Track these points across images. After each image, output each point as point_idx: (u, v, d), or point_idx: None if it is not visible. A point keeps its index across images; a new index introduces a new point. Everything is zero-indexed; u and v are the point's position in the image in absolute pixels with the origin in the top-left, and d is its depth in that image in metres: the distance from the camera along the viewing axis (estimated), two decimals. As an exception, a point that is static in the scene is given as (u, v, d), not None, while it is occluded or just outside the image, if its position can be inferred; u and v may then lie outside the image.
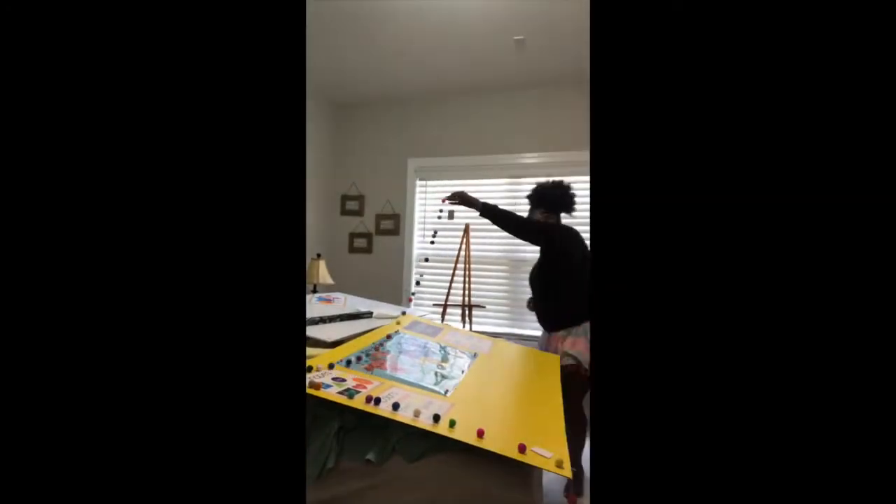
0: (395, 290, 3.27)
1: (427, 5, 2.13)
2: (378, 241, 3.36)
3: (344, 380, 1.09)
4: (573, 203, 1.88)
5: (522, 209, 3.02)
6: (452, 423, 0.96)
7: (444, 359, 1.51)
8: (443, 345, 1.67)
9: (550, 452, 0.92)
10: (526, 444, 0.92)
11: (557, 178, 1.93)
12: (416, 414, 0.97)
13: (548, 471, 0.88)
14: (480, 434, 0.92)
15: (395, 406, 0.98)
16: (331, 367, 1.18)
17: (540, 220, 1.87)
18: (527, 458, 0.88)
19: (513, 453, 0.89)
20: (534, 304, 1.99)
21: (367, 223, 3.41)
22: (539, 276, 1.89)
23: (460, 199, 1.80)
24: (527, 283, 3.00)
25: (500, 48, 2.51)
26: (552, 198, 1.87)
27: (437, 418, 0.97)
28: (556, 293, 1.82)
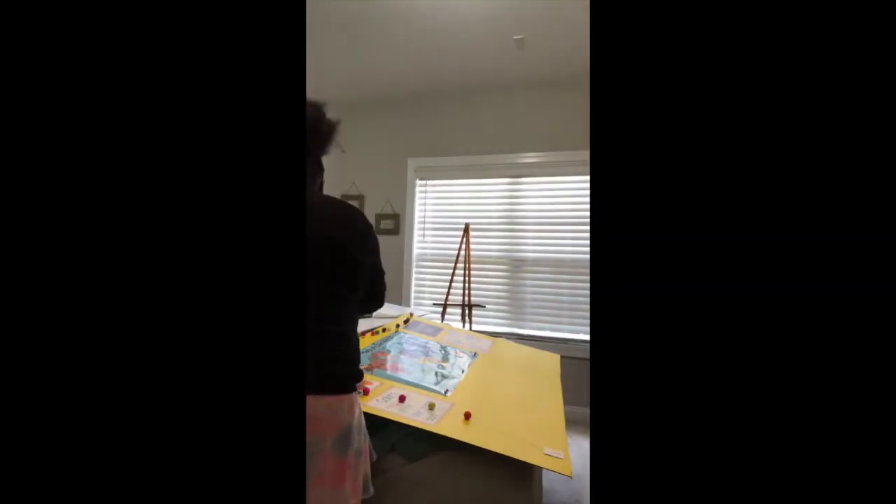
0: (395, 290, 3.26)
1: (427, 5, 2.13)
2: (378, 240, 3.36)
3: (344, 380, 1.09)
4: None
5: (523, 208, 3.04)
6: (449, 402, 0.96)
7: (445, 358, 1.51)
8: (443, 344, 1.67)
9: (560, 452, 0.92)
10: (533, 443, 0.92)
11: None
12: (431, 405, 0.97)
13: (549, 470, 0.88)
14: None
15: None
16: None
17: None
18: (536, 460, 0.88)
19: (513, 453, 0.89)
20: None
21: (367, 223, 3.41)
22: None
23: None
24: (527, 282, 3.03)
25: (500, 48, 2.51)
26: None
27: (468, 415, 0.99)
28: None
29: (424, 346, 1.60)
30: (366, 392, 1.05)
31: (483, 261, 3.09)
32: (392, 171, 3.36)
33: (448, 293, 2.89)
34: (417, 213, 3.32)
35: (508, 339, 2.61)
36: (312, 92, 3.14)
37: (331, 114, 1.10)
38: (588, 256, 2.81)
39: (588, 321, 2.81)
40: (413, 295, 3.27)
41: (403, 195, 3.32)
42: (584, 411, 2.73)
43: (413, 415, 0.98)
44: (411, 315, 1.93)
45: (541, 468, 0.91)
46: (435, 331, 1.86)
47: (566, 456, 0.92)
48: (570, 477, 0.88)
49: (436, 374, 1.33)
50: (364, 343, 1.45)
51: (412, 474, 0.94)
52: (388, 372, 1.26)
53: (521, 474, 0.93)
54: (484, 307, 3.04)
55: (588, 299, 2.85)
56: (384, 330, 1.64)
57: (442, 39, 2.44)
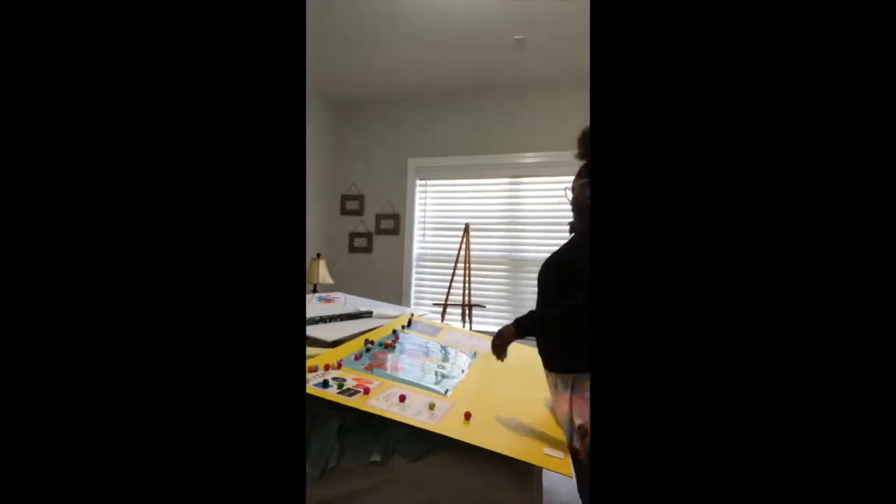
0: (395, 289, 3.26)
1: (427, 5, 2.13)
2: (378, 240, 3.36)
3: (344, 380, 1.09)
4: None
5: (523, 208, 3.04)
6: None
7: (445, 358, 1.51)
8: (443, 344, 1.67)
9: (560, 452, 0.92)
10: (533, 443, 0.93)
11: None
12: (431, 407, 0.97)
13: (549, 470, 0.88)
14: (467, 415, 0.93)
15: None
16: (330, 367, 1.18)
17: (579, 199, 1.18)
18: (536, 460, 0.88)
19: (513, 453, 0.89)
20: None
21: (367, 223, 3.40)
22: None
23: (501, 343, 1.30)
24: (527, 282, 3.02)
25: (500, 48, 2.50)
26: None
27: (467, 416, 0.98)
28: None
29: (425, 346, 1.60)
30: (366, 392, 1.05)
31: (483, 261, 3.09)
32: (392, 171, 3.36)
33: (448, 293, 2.89)
34: (417, 213, 3.32)
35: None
36: (313, 92, 3.12)
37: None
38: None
39: (588, 321, 2.80)
40: (413, 295, 3.27)
41: (403, 195, 3.32)
42: (584, 411, 2.72)
43: (413, 414, 0.98)
44: (412, 315, 1.93)
45: (541, 468, 0.91)
46: (435, 331, 1.86)
47: (566, 456, 0.92)
48: (571, 477, 0.88)
49: (436, 374, 1.33)
50: (363, 343, 1.45)
51: (412, 474, 0.94)
52: (389, 372, 1.26)
53: (521, 474, 0.93)
54: (484, 307, 3.04)
55: (588, 299, 2.84)
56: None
57: (442, 39, 2.44)
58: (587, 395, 0.95)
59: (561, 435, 1.03)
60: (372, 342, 1.47)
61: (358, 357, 1.31)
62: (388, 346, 1.50)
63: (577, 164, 1.15)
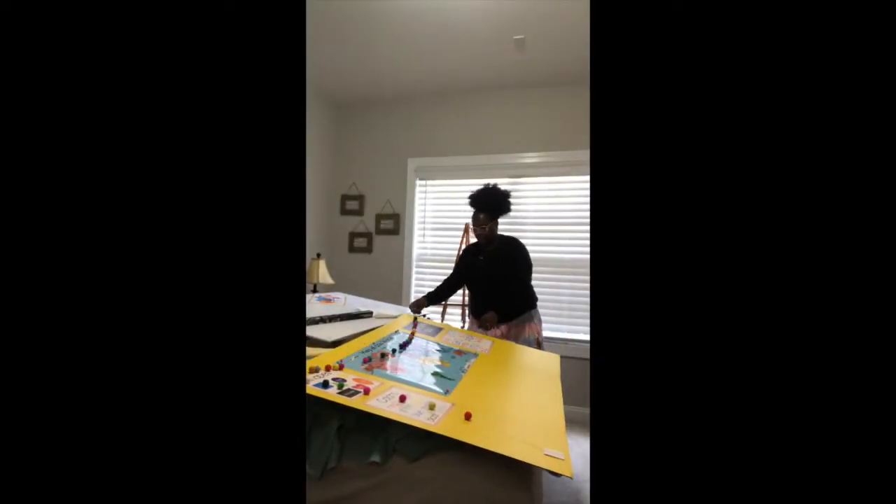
0: (395, 289, 3.27)
1: (427, 5, 2.13)
2: (378, 240, 3.36)
3: (344, 380, 1.09)
4: (509, 206, 2.17)
5: (522, 208, 3.04)
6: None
7: (445, 359, 1.51)
8: (443, 344, 1.67)
9: (560, 453, 0.92)
10: (533, 444, 0.92)
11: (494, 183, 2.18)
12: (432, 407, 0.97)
13: (551, 472, 0.88)
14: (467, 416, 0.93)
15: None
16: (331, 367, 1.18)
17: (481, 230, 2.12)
18: (536, 461, 0.88)
19: (514, 454, 0.89)
20: (475, 303, 2.21)
21: (367, 223, 3.41)
22: (486, 280, 2.13)
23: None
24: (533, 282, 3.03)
25: (500, 48, 2.51)
26: (494, 201, 2.11)
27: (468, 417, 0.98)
28: (502, 292, 2.07)
29: (424, 347, 1.60)
30: (366, 392, 1.05)
31: (483, 261, 3.08)
32: (392, 171, 3.36)
33: (448, 293, 2.89)
34: (417, 213, 3.32)
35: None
36: (313, 92, 3.12)
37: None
38: (588, 256, 2.81)
39: (588, 321, 2.81)
40: (413, 295, 3.27)
41: (403, 195, 3.32)
42: (584, 411, 2.73)
43: (413, 414, 0.98)
44: (416, 318, 1.93)
45: (541, 468, 0.91)
46: (435, 331, 1.86)
47: (566, 457, 0.92)
48: (571, 478, 0.88)
49: (436, 374, 1.32)
50: (364, 343, 1.45)
51: (412, 474, 0.94)
52: (389, 372, 1.26)
53: (522, 474, 0.93)
54: (484, 307, 3.03)
55: (588, 299, 2.85)
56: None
57: (442, 39, 2.44)
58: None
59: (561, 435, 1.03)
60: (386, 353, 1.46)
61: (367, 361, 1.31)
62: (386, 337, 1.50)
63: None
